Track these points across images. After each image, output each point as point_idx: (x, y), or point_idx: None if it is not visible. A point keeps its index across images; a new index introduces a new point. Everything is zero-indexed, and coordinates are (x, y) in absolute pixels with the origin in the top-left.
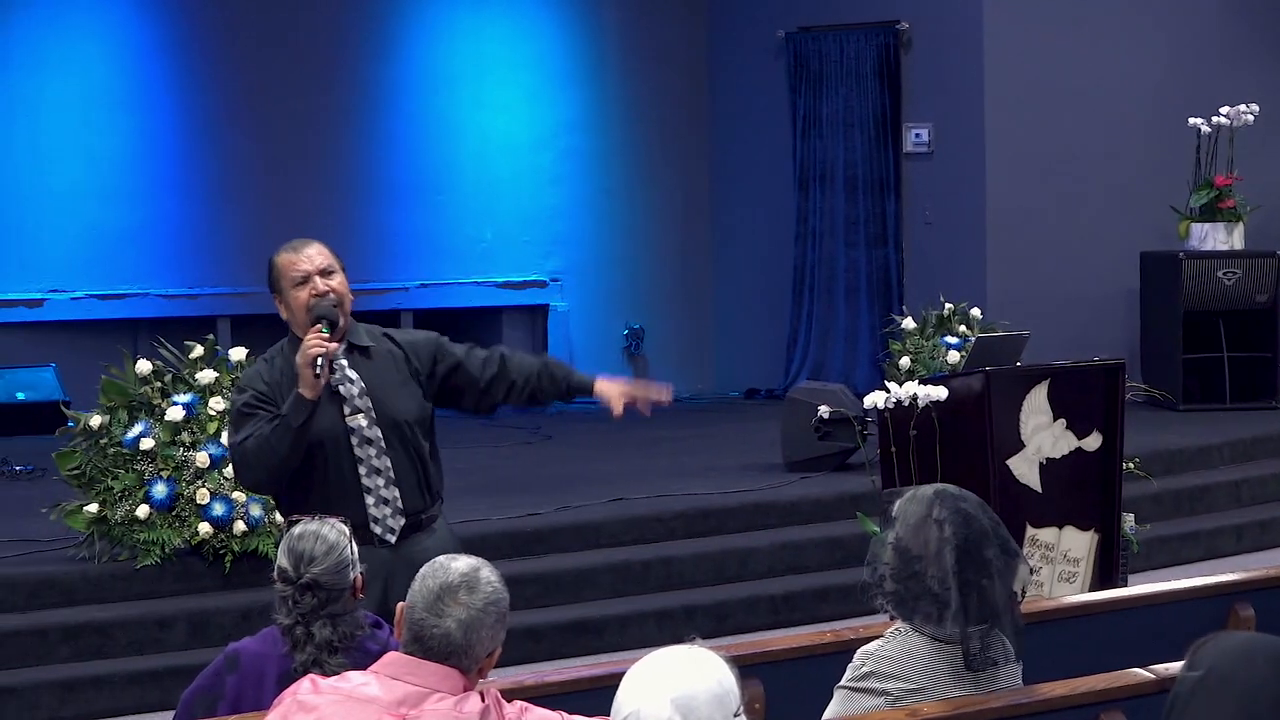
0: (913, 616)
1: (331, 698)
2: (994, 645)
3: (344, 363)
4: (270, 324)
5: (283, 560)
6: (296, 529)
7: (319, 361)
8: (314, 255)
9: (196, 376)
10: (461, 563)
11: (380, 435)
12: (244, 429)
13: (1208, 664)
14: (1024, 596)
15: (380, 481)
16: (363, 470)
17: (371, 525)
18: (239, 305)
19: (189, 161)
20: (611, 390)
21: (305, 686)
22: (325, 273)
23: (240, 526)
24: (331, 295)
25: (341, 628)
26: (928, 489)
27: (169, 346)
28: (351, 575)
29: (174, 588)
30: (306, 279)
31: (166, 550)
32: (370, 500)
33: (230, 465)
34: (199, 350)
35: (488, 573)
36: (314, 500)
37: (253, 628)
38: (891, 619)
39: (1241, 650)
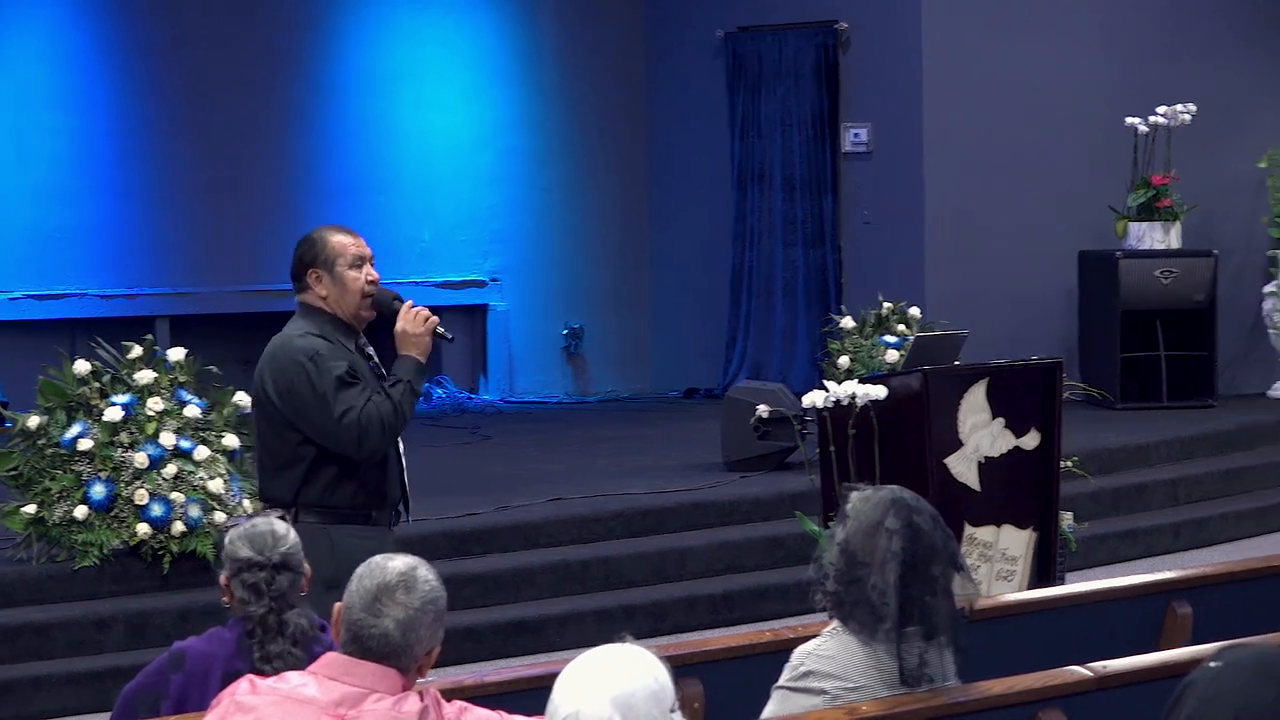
0: (848, 621)
1: (270, 698)
2: (933, 662)
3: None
4: (210, 323)
5: (244, 551)
6: (243, 525)
7: (440, 328)
8: (363, 243)
9: (135, 377)
10: (398, 562)
11: None
12: (350, 397)
13: (1228, 660)
14: (971, 612)
15: (405, 463)
16: (402, 448)
17: (410, 502)
18: (178, 305)
19: (127, 162)
20: None
21: (243, 687)
22: (371, 261)
23: (179, 527)
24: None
25: (306, 618)
26: (885, 493)
27: (107, 347)
28: (306, 565)
29: (112, 588)
30: (364, 262)
31: (105, 551)
32: (407, 479)
33: (175, 460)
34: (137, 350)
35: (425, 572)
36: (371, 477)
37: (191, 628)
38: (830, 618)
39: (1264, 657)
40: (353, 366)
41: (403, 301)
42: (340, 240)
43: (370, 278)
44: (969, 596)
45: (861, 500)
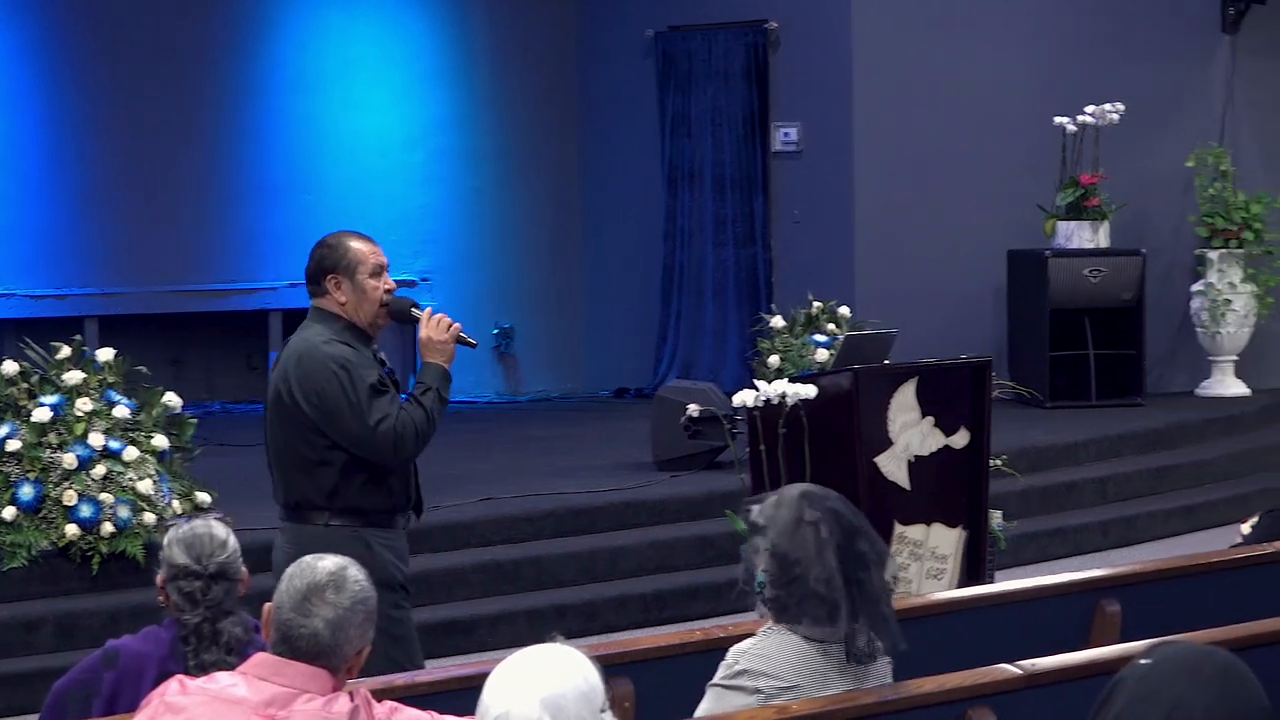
0: (800, 620)
1: (199, 699)
2: (880, 636)
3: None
4: (139, 324)
5: (180, 558)
6: (182, 528)
7: (463, 334)
8: (380, 251)
9: (63, 377)
10: (328, 562)
11: None
12: (384, 405)
13: (1158, 657)
14: (896, 584)
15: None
16: None
17: (423, 503)
18: (107, 306)
19: (55, 162)
20: None
21: (173, 688)
22: (387, 269)
23: (108, 528)
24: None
25: (241, 626)
26: (791, 491)
27: (35, 347)
28: (244, 570)
29: (41, 590)
30: (383, 270)
31: (33, 552)
32: (419, 480)
33: (116, 463)
34: (66, 351)
35: (355, 571)
36: (398, 481)
37: (121, 630)
38: (776, 621)
39: (1194, 656)
40: (381, 375)
41: (421, 309)
42: (360, 248)
43: (387, 286)
44: (890, 567)
45: (771, 507)
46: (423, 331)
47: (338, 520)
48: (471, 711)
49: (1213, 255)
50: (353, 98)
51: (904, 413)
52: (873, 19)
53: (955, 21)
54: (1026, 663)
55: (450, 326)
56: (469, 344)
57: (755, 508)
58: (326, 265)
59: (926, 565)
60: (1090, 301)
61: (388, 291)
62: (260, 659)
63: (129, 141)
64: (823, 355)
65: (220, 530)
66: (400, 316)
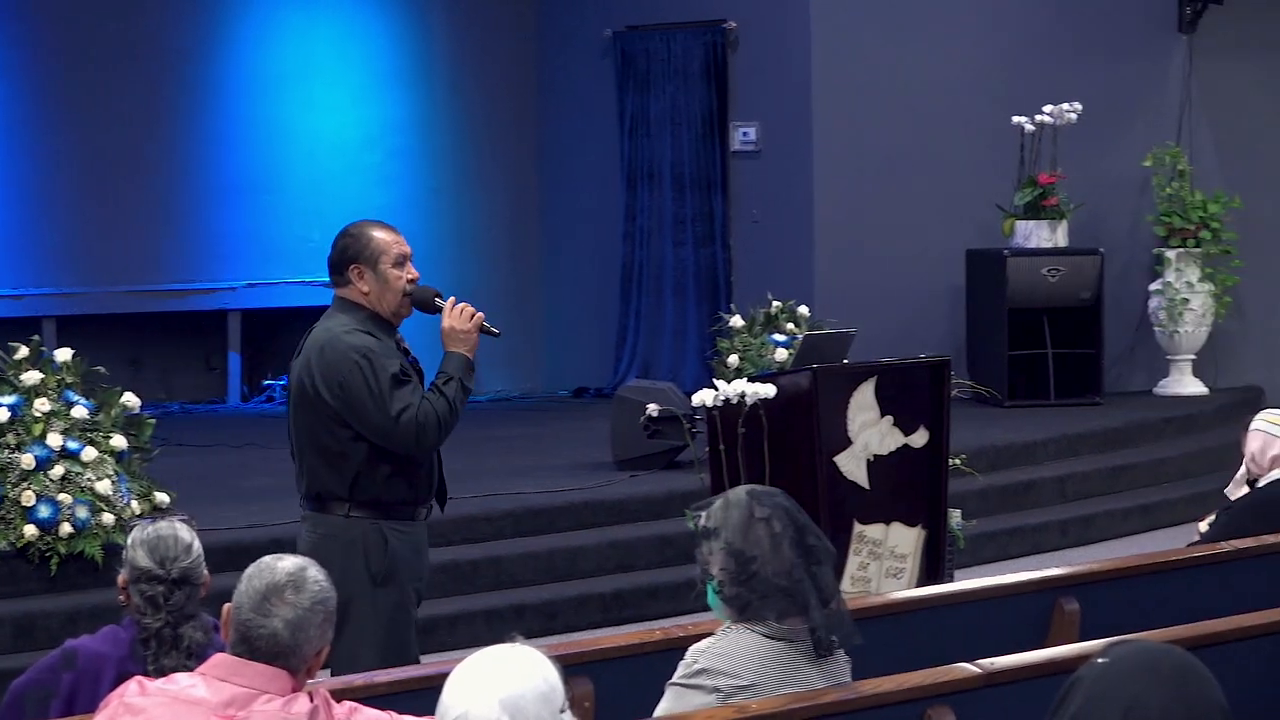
0: (764, 616)
1: (159, 700)
2: (836, 628)
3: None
4: (98, 324)
5: (143, 560)
6: (147, 530)
7: (486, 323)
8: (404, 240)
9: (21, 378)
10: (287, 562)
11: None
12: (406, 395)
13: (1115, 656)
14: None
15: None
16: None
17: (447, 494)
18: (64, 306)
19: (12, 162)
20: None
21: (132, 689)
22: (410, 258)
23: (66, 529)
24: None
25: (202, 630)
26: (738, 492)
27: None
28: (205, 573)
29: None
30: (405, 260)
31: None
32: (444, 470)
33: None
34: (24, 351)
35: (314, 571)
36: (422, 473)
37: (79, 631)
38: (736, 621)
39: (1151, 654)
40: (403, 365)
41: (444, 298)
42: (383, 238)
43: (410, 276)
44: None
45: (720, 509)
46: (445, 321)
47: (358, 511)
48: (431, 712)
49: (1170, 254)
50: (311, 98)
51: (863, 412)
52: (831, 19)
53: (914, 21)
54: (985, 661)
55: (473, 316)
56: (492, 333)
57: (704, 512)
58: (349, 255)
59: (886, 564)
60: (1048, 301)
61: (411, 281)
62: (219, 659)
63: (86, 141)
64: (782, 355)
65: (185, 533)
66: (423, 306)
